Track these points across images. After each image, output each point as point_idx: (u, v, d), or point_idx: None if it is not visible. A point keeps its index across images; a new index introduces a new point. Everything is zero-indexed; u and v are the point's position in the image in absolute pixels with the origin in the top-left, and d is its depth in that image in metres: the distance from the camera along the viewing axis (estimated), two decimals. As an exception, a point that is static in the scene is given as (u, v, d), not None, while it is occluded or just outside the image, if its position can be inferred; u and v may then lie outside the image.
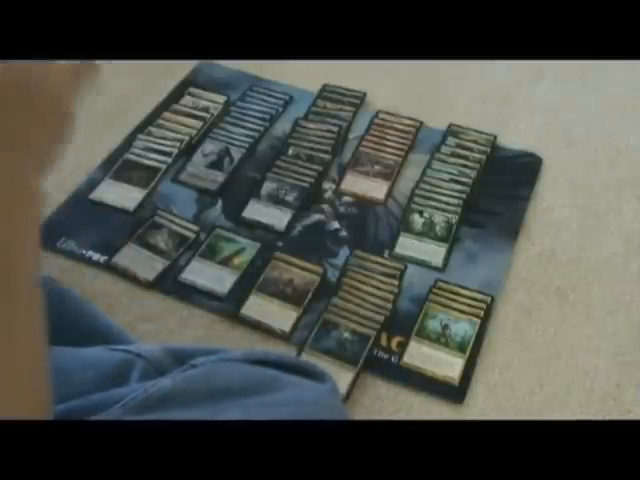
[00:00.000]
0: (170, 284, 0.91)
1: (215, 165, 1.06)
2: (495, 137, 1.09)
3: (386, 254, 0.95)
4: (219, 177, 1.04)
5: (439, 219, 0.98)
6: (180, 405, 0.63)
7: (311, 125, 1.12)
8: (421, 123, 1.12)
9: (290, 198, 1.01)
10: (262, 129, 1.11)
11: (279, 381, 0.66)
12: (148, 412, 0.63)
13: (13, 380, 0.41)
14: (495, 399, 0.82)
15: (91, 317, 0.77)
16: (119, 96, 1.16)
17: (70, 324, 0.74)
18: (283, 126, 1.12)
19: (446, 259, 0.94)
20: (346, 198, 1.02)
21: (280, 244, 0.96)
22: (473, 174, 1.04)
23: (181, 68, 1.21)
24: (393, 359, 0.84)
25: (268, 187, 1.02)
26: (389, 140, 1.09)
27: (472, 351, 0.85)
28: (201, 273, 0.92)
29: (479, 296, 0.90)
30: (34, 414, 0.43)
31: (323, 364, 0.82)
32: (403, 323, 0.87)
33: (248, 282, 0.91)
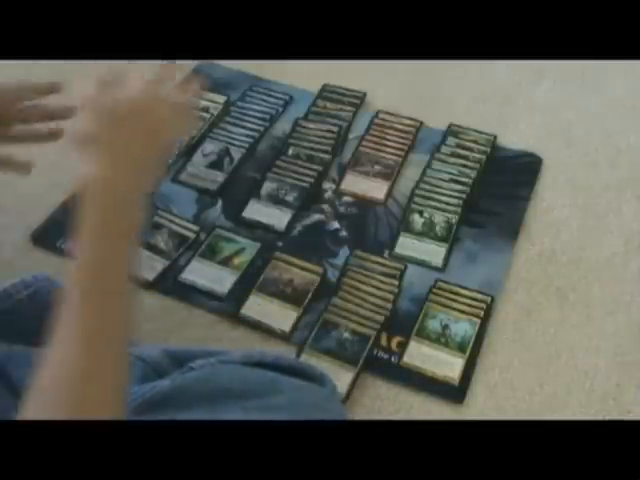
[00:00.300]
0: (170, 284, 0.91)
1: (215, 165, 1.06)
2: (495, 137, 1.09)
3: (386, 254, 0.95)
4: (219, 177, 1.04)
5: (439, 219, 0.98)
6: (178, 407, 0.63)
7: (311, 125, 1.11)
8: (421, 123, 1.12)
9: (290, 198, 1.01)
10: (262, 129, 1.11)
11: (278, 384, 0.66)
12: (147, 413, 0.63)
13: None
14: (495, 399, 0.82)
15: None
16: (119, 96, 1.16)
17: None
18: (283, 126, 1.12)
19: (446, 259, 0.94)
20: (346, 198, 1.02)
21: (280, 244, 0.96)
22: (473, 174, 1.04)
23: (181, 68, 1.21)
24: (393, 359, 0.84)
25: (268, 187, 1.02)
26: (389, 140, 1.09)
27: (472, 351, 0.85)
28: (201, 273, 0.92)
29: (479, 296, 0.90)
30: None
31: (323, 364, 0.82)
32: (403, 323, 0.87)
33: (248, 282, 0.91)
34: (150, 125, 0.60)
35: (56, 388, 0.50)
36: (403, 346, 0.85)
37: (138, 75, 0.62)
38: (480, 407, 0.81)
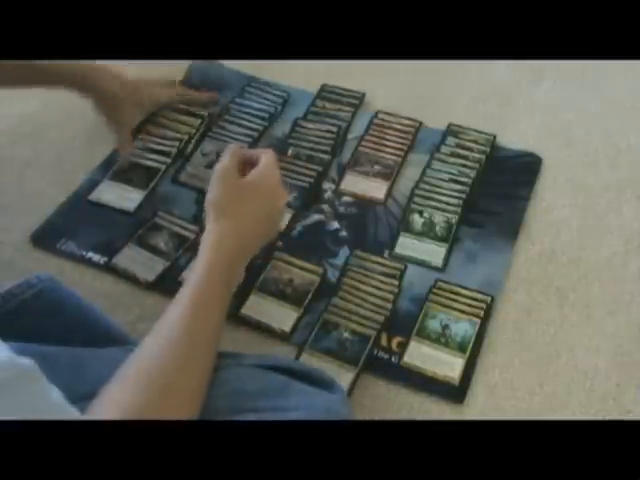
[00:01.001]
0: (170, 285, 0.91)
1: (214, 165, 1.05)
2: (495, 137, 1.09)
3: (386, 254, 0.95)
4: (219, 177, 1.04)
5: (439, 219, 0.98)
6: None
7: (310, 125, 1.11)
8: (420, 123, 1.12)
9: (290, 198, 1.01)
10: (261, 128, 1.11)
11: (290, 388, 0.67)
12: None
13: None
14: (495, 399, 0.82)
15: (92, 318, 0.77)
16: (119, 96, 1.16)
17: (71, 325, 0.74)
18: (282, 126, 1.12)
19: (446, 259, 0.94)
20: (346, 198, 1.02)
21: (280, 244, 0.96)
22: (473, 174, 1.04)
23: (181, 68, 1.21)
24: (393, 359, 0.84)
25: (268, 187, 1.02)
26: (389, 140, 1.09)
27: (472, 351, 0.85)
28: (201, 273, 0.92)
29: (479, 296, 0.90)
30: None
31: (323, 364, 0.82)
32: (403, 323, 0.87)
33: (248, 282, 0.91)
34: (271, 204, 0.79)
35: (148, 373, 0.58)
36: (403, 346, 0.85)
37: (271, 160, 0.80)
38: (480, 407, 0.81)
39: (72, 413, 0.48)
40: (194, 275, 0.69)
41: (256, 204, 0.77)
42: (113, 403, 0.56)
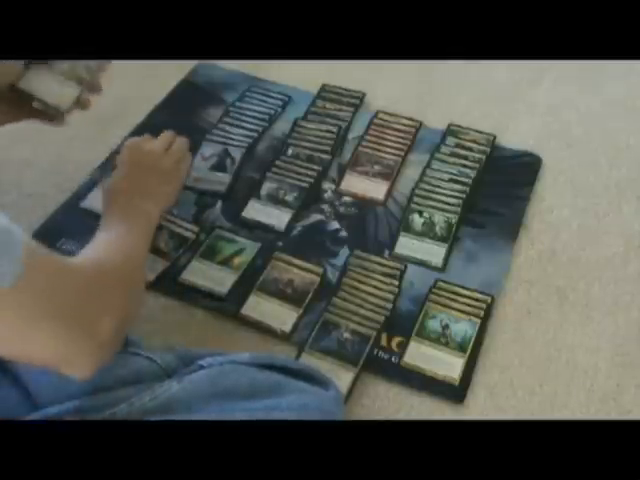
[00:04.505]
0: (170, 284, 0.91)
1: (218, 167, 1.06)
2: (495, 137, 1.09)
3: (386, 254, 0.95)
4: (225, 178, 1.04)
5: (439, 219, 0.98)
6: (187, 409, 0.64)
7: (310, 125, 1.11)
8: (420, 123, 1.12)
9: (290, 198, 1.01)
10: (261, 129, 1.11)
11: (284, 386, 0.67)
12: (157, 415, 0.63)
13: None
14: (495, 399, 0.82)
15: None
16: (119, 97, 1.16)
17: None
18: (282, 126, 1.12)
19: (446, 259, 0.94)
20: (346, 198, 1.02)
21: (280, 244, 0.96)
22: (473, 174, 1.04)
23: (181, 68, 1.21)
24: (393, 359, 0.84)
25: (268, 187, 1.02)
26: (388, 140, 1.09)
27: (472, 351, 0.85)
28: (201, 273, 0.92)
29: (479, 296, 0.90)
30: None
31: (323, 364, 0.82)
32: (403, 323, 0.87)
33: (248, 282, 0.91)
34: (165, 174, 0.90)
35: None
36: (403, 346, 0.85)
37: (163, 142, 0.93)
38: (480, 407, 0.81)
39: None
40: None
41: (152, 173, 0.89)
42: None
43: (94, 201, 0.99)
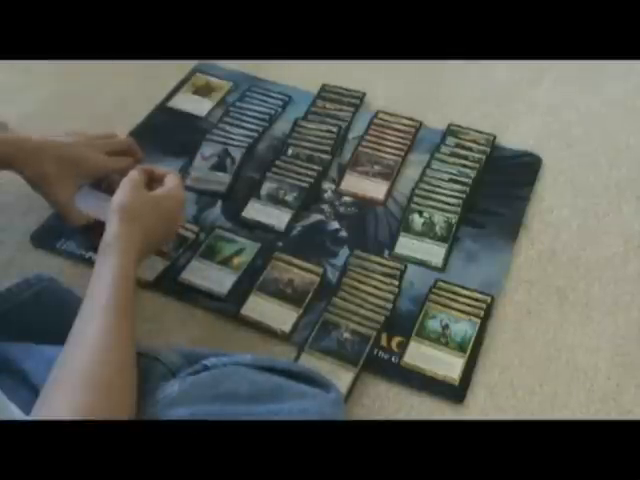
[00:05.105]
0: (170, 284, 0.91)
1: (218, 167, 1.06)
2: (494, 137, 1.09)
3: (386, 254, 0.95)
4: (225, 178, 1.04)
5: (439, 219, 0.98)
6: (186, 408, 0.64)
7: (310, 125, 1.11)
8: (420, 123, 1.12)
9: (290, 198, 1.01)
10: (261, 129, 1.11)
11: (285, 390, 0.67)
12: (155, 414, 0.64)
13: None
14: (495, 399, 0.82)
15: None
16: (119, 96, 1.16)
17: (70, 324, 0.74)
18: (282, 126, 1.12)
19: (446, 259, 0.94)
20: (346, 198, 1.02)
21: (280, 244, 0.96)
22: (473, 174, 1.04)
23: (181, 68, 1.21)
24: (393, 359, 0.84)
25: (268, 187, 1.02)
26: (388, 140, 1.09)
27: (472, 351, 0.85)
28: (201, 273, 0.92)
29: (479, 296, 0.90)
30: None
31: (323, 364, 0.82)
32: (403, 323, 0.87)
33: (248, 282, 0.91)
34: (171, 222, 0.85)
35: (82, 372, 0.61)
36: (403, 346, 0.85)
37: (178, 182, 0.86)
38: (480, 407, 0.81)
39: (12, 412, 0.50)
40: (110, 278, 0.70)
41: (159, 218, 0.81)
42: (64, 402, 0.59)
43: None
